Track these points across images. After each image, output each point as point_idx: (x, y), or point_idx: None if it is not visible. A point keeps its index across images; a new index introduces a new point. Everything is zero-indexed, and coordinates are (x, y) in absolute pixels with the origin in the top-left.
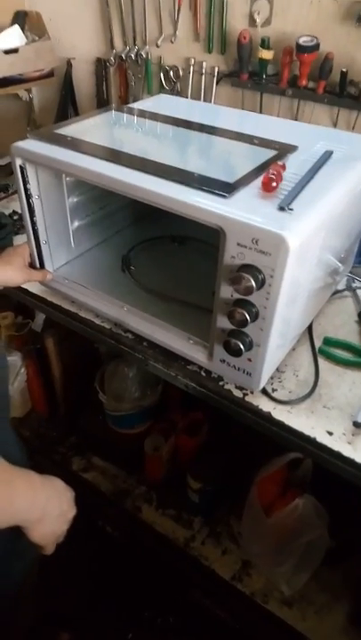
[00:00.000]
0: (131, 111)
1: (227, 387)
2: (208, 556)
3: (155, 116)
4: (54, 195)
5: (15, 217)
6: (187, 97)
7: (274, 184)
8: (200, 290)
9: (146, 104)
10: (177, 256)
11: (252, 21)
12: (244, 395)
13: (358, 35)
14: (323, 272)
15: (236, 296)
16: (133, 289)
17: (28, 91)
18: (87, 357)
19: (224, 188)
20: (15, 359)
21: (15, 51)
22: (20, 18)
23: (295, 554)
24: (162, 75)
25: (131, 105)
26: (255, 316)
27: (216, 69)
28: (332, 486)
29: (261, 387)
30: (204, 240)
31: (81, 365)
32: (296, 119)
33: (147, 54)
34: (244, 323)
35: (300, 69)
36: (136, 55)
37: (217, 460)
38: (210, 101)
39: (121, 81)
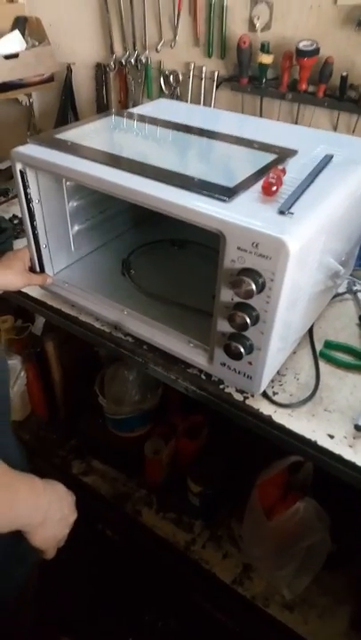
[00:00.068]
0: (131, 116)
1: (227, 390)
2: (209, 560)
3: (155, 121)
4: (54, 199)
5: (15, 221)
6: (187, 101)
7: (274, 188)
8: (200, 293)
9: (146, 109)
10: (177, 260)
11: (252, 26)
12: (245, 398)
13: (358, 39)
14: (323, 275)
15: (237, 300)
16: (133, 292)
17: (29, 95)
18: (87, 361)
19: (224, 193)
20: (15, 363)
21: (15, 56)
22: (21, 23)
23: (296, 557)
24: (162, 79)
25: (131, 110)
26: (256, 320)
27: (216, 74)
28: (334, 489)
29: (262, 390)
30: (204, 244)
31: (81, 369)
32: (296, 123)
33: (146, 59)
34: (245, 326)
35: (300, 73)
36: (136, 60)
37: (217, 464)
38: (210, 106)
39: (121, 86)
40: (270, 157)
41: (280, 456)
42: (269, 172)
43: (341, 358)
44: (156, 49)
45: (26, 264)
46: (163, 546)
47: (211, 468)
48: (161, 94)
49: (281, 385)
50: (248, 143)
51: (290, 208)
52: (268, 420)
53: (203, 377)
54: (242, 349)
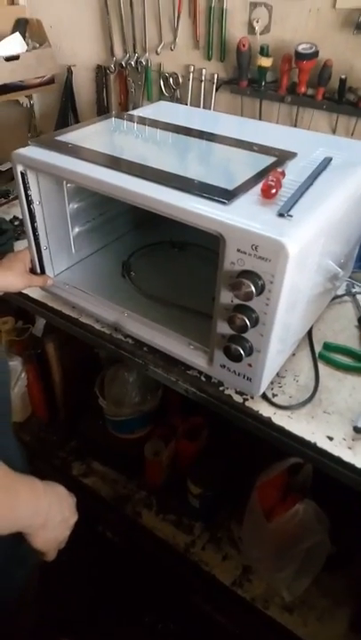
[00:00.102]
0: (131, 118)
1: (227, 392)
2: (208, 562)
3: (155, 123)
4: (55, 201)
5: (16, 222)
6: (186, 104)
7: (273, 191)
8: (200, 295)
9: (146, 111)
10: (177, 262)
11: (252, 29)
12: (245, 400)
13: (357, 42)
14: (322, 277)
15: (236, 302)
16: (134, 294)
17: (29, 97)
18: (87, 362)
19: (224, 195)
20: (16, 364)
21: (16, 58)
22: (21, 25)
23: (296, 559)
24: (162, 82)
25: (131, 112)
26: (255, 322)
27: (215, 76)
28: (333, 491)
29: (262, 392)
30: (204, 246)
31: (81, 370)
32: (295, 126)
33: (147, 61)
34: (245, 328)
35: (299, 76)
36: (136, 62)
37: (217, 465)
38: (209, 108)
39: (121, 88)
40: (270, 160)
41: (280, 458)
42: (269, 174)
43: (340, 360)
44: (157, 51)
45: (26, 265)
46: (163, 547)
47: (211, 469)
48: (161, 97)
49: (280, 387)
50: (247, 146)
51: (289, 210)
52: (267, 422)
53: (203, 379)
54: (241, 351)
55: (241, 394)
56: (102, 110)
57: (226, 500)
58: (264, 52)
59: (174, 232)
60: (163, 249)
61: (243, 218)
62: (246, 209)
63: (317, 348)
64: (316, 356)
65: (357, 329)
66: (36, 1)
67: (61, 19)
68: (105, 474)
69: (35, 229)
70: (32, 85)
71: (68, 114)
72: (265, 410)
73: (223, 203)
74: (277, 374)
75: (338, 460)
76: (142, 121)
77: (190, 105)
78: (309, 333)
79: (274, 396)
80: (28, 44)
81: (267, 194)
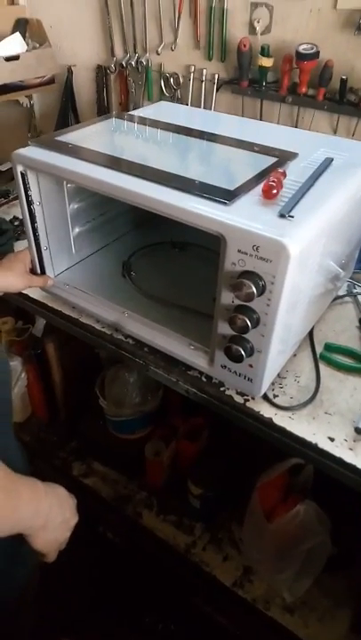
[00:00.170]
0: (131, 118)
1: (228, 392)
2: (209, 563)
3: (155, 124)
4: (55, 201)
5: (16, 223)
6: (187, 104)
7: (274, 191)
8: (201, 295)
9: (146, 111)
10: (177, 262)
11: (252, 29)
12: (246, 400)
13: (358, 43)
14: (323, 278)
15: (237, 302)
16: (134, 294)
17: (29, 97)
18: (88, 363)
19: (225, 196)
20: (16, 364)
21: (16, 58)
22: (21, 25)
23: (297, 560)
24: (162, 82)
25: (131, 112)
26: (256, 323)
27: (216, 77)
28: (334, 492)
29: (263, 392)
30: (204, 246)
31: (81, 371)
32: (296, 126)
33: (147, 61)
34: (245, 329)
35: (300, 77)
36: (137, 62)
37: (218, 466)
38: (210, 108)
39: (121, 88)
40: (270, 160)
41: (280, 458)
42: (270, 174)
43: (342, 361)
44: (157, 51)
45: (27, 266)
46: (163, 548)
47: (211, 470)
48: (162, 97)
49: (281, 387)
50: (248, 146)
51: (290, 211)
52: (268, 423)
53: (203, 379)
54: (242, 352)
55: (242, 394)
56: (102, 110)
57: (226, 500)
58: (265, 52)
59: (175, 232)
60: (163, 249)
61: (244, 218)
62: (247, 209)
63: (318, 349)
64: (318, 356)
65: (359, 330)
66: (36, 1)
67: (61, 19)
68: (105, 474)
69: (35, 230)
70: (32, 85)
71: (68, 114)
72: (266, 410)
73: (224, 203)
74: (278, 375)
75: (339, 461)
76: (143, 121)
77: (191, 105)
78: (310, 334)
79: (275, 396)
80: (28, 44)
81: (268, 194)
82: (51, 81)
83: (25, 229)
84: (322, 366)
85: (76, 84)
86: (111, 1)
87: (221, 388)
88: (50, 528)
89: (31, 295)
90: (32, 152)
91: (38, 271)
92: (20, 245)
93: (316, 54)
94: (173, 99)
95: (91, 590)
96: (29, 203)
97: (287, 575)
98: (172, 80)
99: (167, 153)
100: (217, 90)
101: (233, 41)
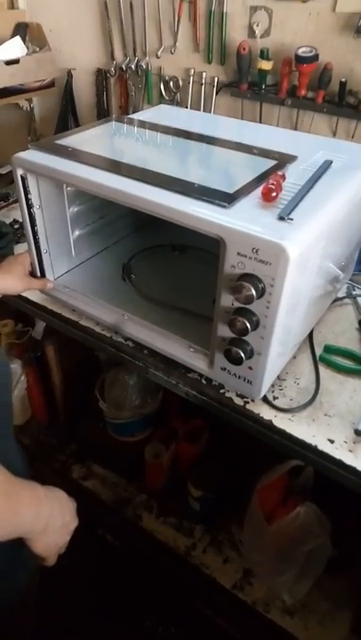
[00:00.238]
0: (131, 122)
1: (227, 395)
2: (209, 565)
3: (155, 127)
4: (55, 204)
5: (16, 226)
6: (187, 107)
7: (274, 194)
8: (200, 298)
9: (146, 114)
10: (177, 264)
11: (252, 32)
12: (245, 403)
13: (357, 45)
14: (323, 280)
15: (237, 305)
16: (134, 297)
17: (29, 101)
18: (87, 365)
19: (224, 198)
20: (15, 367)
21: (16, 61)
22: (22, 29)
23: (297, 562)
24: (162, 85)
25: (131, 115)
26: (256, 325)
27: (216, 80)
28: (334, 494)
29: (262, 395)
30: (204, 248)
31: (81, 373)
32: (295, 129)
33: (147, 65)
34: (245, 331)
35: (300, 79)
36: (136, 66)
37: (218, 468)
38: (210, 111)
39: (121, 91)
40: (270, 163)
41: (280, 460)
42: (269, 177)
43: (341, 363)
44: (157, 55)
45: (26, 268)
46: (163, 550)
47: (211, 472)
48: (161, 100)
49: (281, 389)
50: (248, 149)
51: (290, 214)
52: (268, 425)
53: (203, 381)
54: (242, 354)
55: (242, 397)
56: (102, 114)
57: (226, 502)
58: (264, 55)
59: (174, 235)
60: (163, 252)
61: (243, 221)
62: (247, 212)
63: (318, 351)
64: (317, 358)
65: (358, 331)
66: (36, 5)
67: (61, 22)
68: (105, 477)
69: (35, 233)
70: (32, 89)
71: (68, 117)
72: (266, 413)
73: (224, 206)
74: (278, 377)
75: (339, 463)
76: (142, 124)
77: (191, 108)
78: (310, 336)
79: (275, 398)
80: (28, 48)
81: (267, 197)
82: (51, 84)
83: (25, 232)
84: (321, 368)
85: (75, 87)
86: (111, 5)
87: (221, 391)
88: (50, 532)
89: (31, 298)
90: (32, 155)
91: (38, 274)
92: (19, 248)
93: (316, 57)
94: (173, 102)
95: (91, 593)
96: (29, 206)
97: (287, 577)
98: (171, 83)
99: (167, 156)
100: (216, 93)
101: (232, 44)
